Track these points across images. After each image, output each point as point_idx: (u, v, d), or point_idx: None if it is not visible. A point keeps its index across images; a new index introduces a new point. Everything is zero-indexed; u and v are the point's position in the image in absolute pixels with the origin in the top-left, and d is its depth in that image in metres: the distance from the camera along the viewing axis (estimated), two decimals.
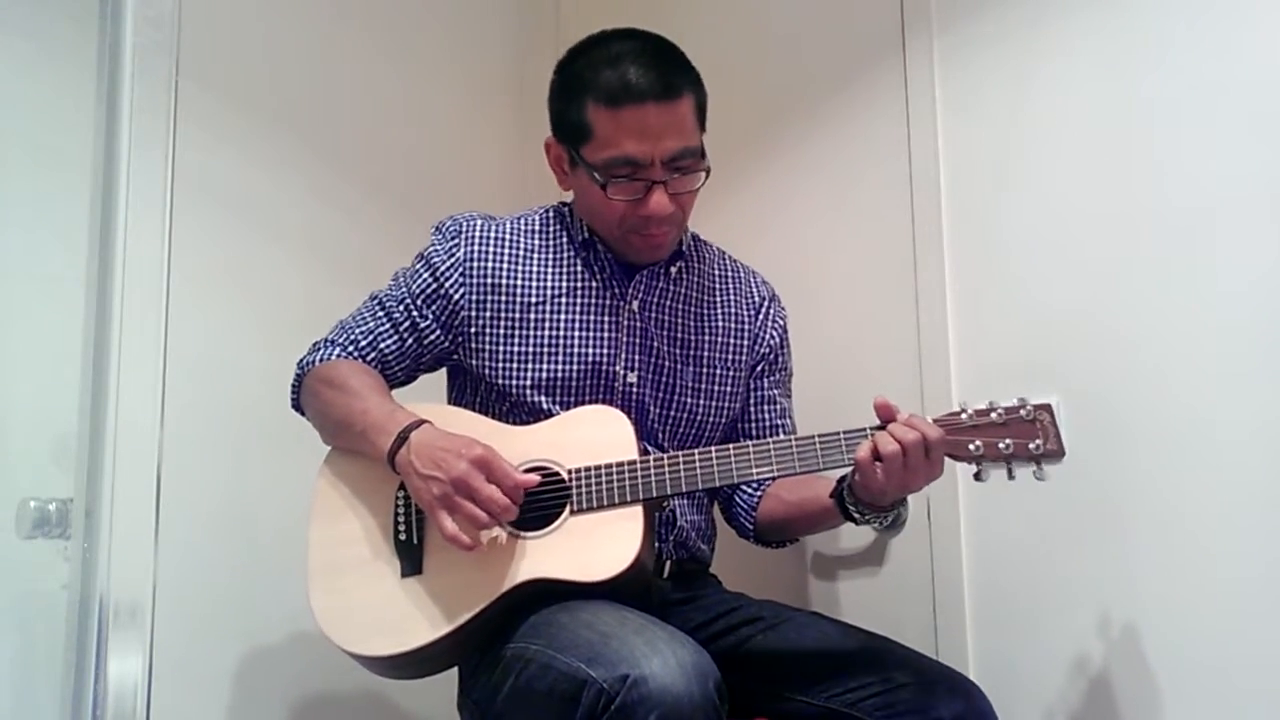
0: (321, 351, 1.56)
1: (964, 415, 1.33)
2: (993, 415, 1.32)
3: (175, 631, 1.74)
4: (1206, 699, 1.46)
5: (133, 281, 1.69)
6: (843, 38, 1.95)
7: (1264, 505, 1.43)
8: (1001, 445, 1.30)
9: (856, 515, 1.41)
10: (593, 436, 1.41)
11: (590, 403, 1.50)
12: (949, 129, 1.78)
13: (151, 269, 1.73)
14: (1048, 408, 1.31)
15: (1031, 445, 1.30)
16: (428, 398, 1.62)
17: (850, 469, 1.35)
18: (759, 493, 1.59)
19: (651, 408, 1.53)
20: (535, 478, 1.36)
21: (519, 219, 1.60)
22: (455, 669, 1.50)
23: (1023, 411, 1.31)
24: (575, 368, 1.50)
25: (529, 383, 1.50)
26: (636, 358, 1.52)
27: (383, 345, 1.55)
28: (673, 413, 1.54)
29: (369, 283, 1.66)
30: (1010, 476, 1.32)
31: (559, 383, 1.49)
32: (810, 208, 1.97)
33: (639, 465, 1.37)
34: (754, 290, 1.67)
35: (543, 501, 1.38)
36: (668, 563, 1.53)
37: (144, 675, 1.61)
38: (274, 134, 2.02)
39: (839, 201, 1.93)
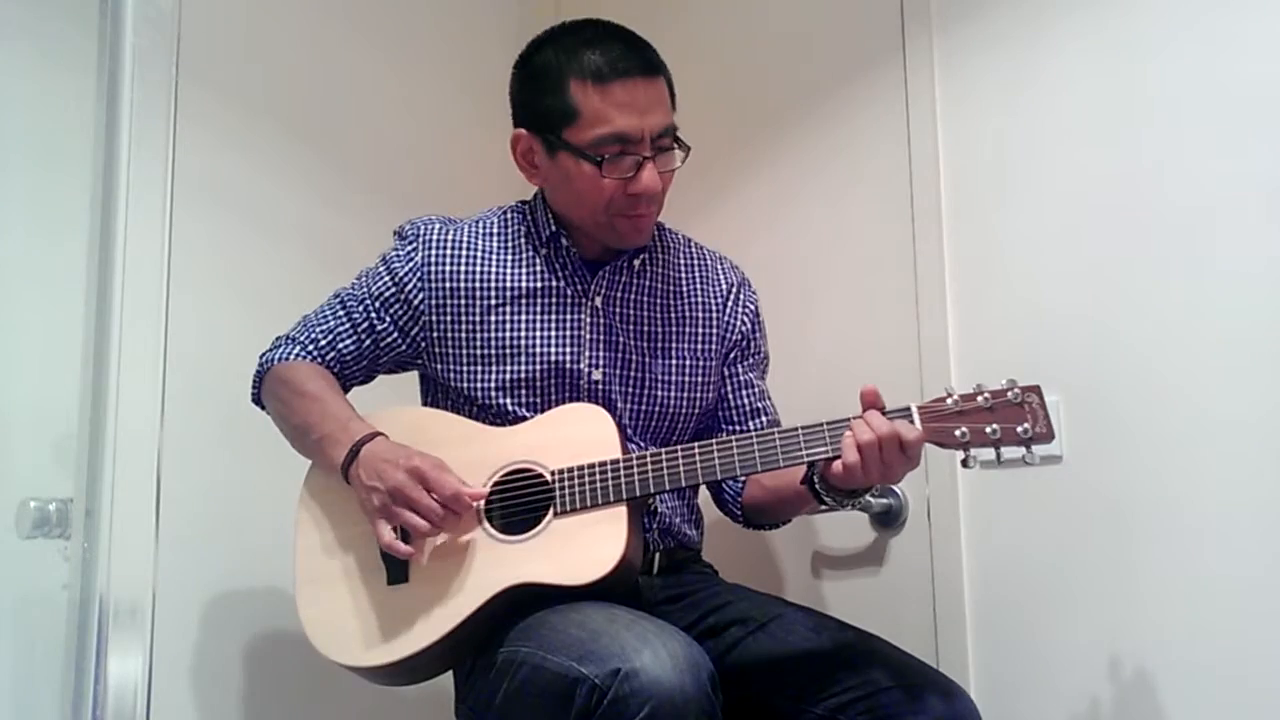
0: (282, 349, 1.59)
1: (949, 400, 1.32)
2: (979, 400, 1.31)
3: (175, 631, 1.75)
4: (1208, 697, 1.46)
5: (133, 281, 1.69)
6: (843, 38, 1.96)
7: (1265, 504, 1.43)
8: (989, 430, 1.30)
9: (828, 500, 1.40)
10: (574, 436, 1.43)
11: (556, 403, 1.52)
12: (949, 129, 1.79)
13: (151, 269, 1.73)
14: (1036, 389, 1.31)
15: (1020, 429, 1.29)
16: (406, 398, 1.63)
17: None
18: (743, 479, 1.60)
19: (620, 403, 1.54)
20: (482, 489, 1.39)
21: (476, 221, 1.62)
22: (450, 675, 1.50)
23: (1010, 394, 1.31)
24: (538, 368, 1.52)
25: (493, 385, 1.52)
26: (601, 355, 1.54)
27: (341, 345, 1.58)
28: (644, 407, 1.56)
29: None
30: (998, 461, 1.31)
31: (523, 383, 1.52)
32: (810, 208, 1.98)
33: (622, 464, 1.39)
34: (721, 277, 1.67)
35: (528, 505, 1.39)
36: (656, 554, 1.54)
37: (144, 675, 1.62)
38: (274, 134, 2.03)
39: (839, 201, 1.94)
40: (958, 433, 1.30)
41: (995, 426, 1.29)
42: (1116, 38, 1.62)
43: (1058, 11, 1.69)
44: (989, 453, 1.30)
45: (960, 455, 1.31)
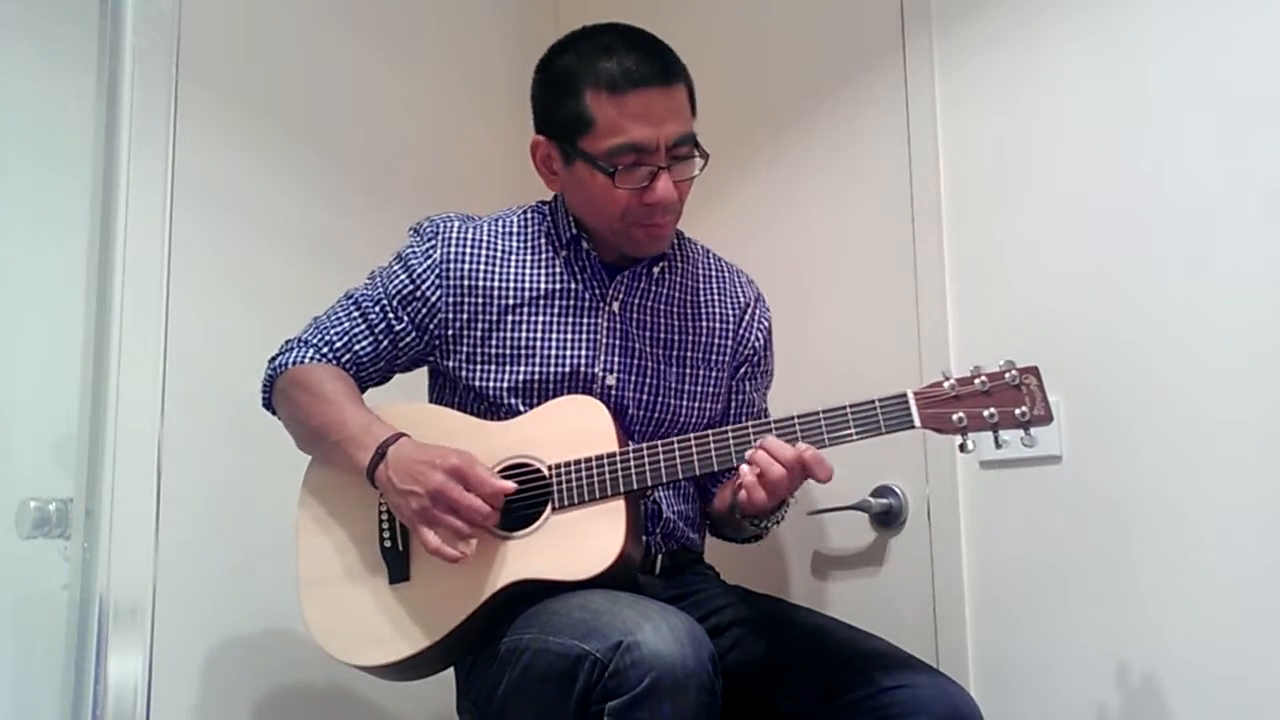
0: (295, 352, 1.57)
1: (946, 384, 1.31)
2: (976, 383, 1.30)
3: (175, 631, 1.74)
4: (1208, 697, 1.46)
5: (133, 281, 1.68)
6: (843, 38, 1.96)
7: (1265, 504, 1.43)
8: (986, 414, 1.28)
9: (738, 516, 1.44)
10: (571, 429, 1.44)
11: None
12: (949, 129, 1.79)
13: (151, 269, 1.73)
14: (1034, 370, 1.30)
15: (1018, 412, 1.28)
16: (410, 393, 1.62)
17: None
18: (714, 490, 1.62)
19: (632, 409, 1.54)
20: (512, 485, 1.38)
21: (496, 220, 1.61)
22: (452, 671, 1.50)
23: (1008, 376, 1.30)
24: (552, 371, 1.51)
25: (505, 385, 1.51)
26: (616, 360, 1.53)
27: (357, 347, 1.56)
28: (655, 414, 1.56)
29: None
30: (997, 445, 1.30)
31: (536, 386, 1.51)
32: (810, 207, 1.99)
33: (619, 457, 1.39)
34: (739, 291, 1.67)
35: (525, 500, 1.40)
36: (658, 556, 1.54)
37: (144, 675, 1.61)
38: (274, 134, 2.04)
39: (839, 201, 1.94)
40: (955, 418, 1.29)
41: (993, 410, 1.28)
42: (1116, 38, 1.62)
43: (1058, 11, 1.69)
44: (987, 436, 1.29)
45: (958, 440, 1.31)
